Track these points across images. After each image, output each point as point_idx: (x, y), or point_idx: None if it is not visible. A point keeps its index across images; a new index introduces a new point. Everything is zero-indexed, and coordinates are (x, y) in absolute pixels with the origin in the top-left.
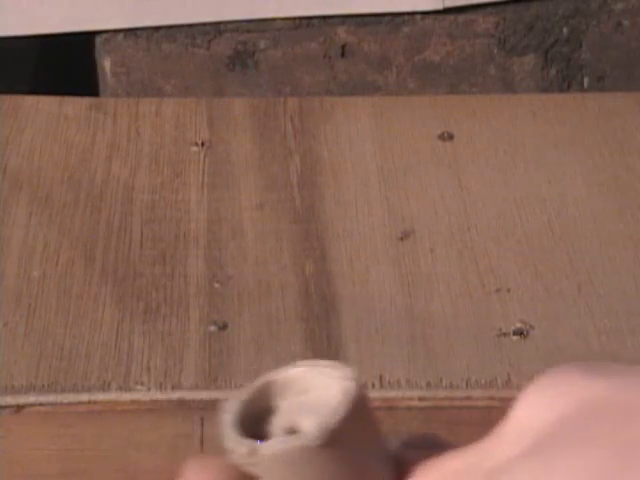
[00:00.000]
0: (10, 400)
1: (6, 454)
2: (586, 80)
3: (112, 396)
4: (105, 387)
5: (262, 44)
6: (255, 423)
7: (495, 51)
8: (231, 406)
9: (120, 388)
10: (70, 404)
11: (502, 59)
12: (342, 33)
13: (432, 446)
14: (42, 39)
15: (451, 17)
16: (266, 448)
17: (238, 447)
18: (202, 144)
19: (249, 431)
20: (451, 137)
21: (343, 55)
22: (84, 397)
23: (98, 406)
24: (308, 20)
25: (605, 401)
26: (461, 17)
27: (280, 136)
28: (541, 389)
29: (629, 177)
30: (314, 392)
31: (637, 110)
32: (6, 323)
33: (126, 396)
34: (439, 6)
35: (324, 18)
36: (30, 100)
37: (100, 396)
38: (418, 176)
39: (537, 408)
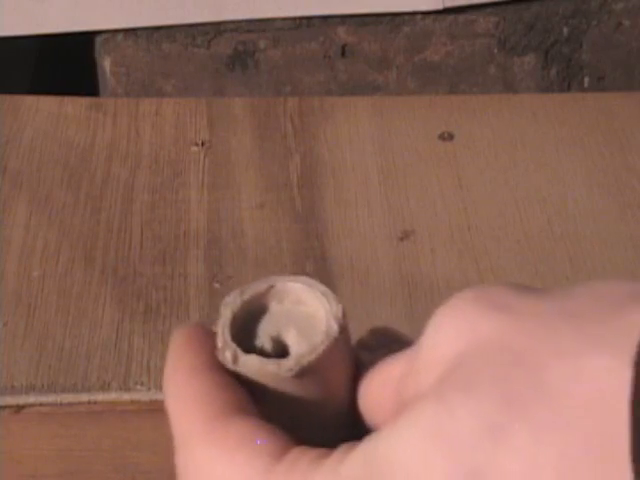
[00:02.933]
0: (10, 400)
1: (6, 454)
2: (586, 80)
3: (112, 396)
4: (105, 387)
5: (262, 44)
6: (249, 321)
7: (495, 51)
8: (231, 302)
9: (120, 388)
10: (70, 404)
11: (502, 59)
12: (342, 33)
13: (387, 345)
14: (42, 39)
15: (451, 17)
16: (243, 363)
17: (224, 349)
18: (202, 144)
19: (242, 329)
20: (451, 137)
21: (343, 55)
22: (84, 397)
23: (98, 406)
24: (308, 20)
25: (495, 343)
26: (461, 17)
27: (280, 136)
28: (441, 321)
29: (629, 177)
30: (306, 307)
31: (637, 110)
32: (6, 323)
33: (126, 396)
34: (439, 6)
35: (324, 18)
36: (30, 100)
37: (100, 396)
38: (418, 176)
39: (438, 338)
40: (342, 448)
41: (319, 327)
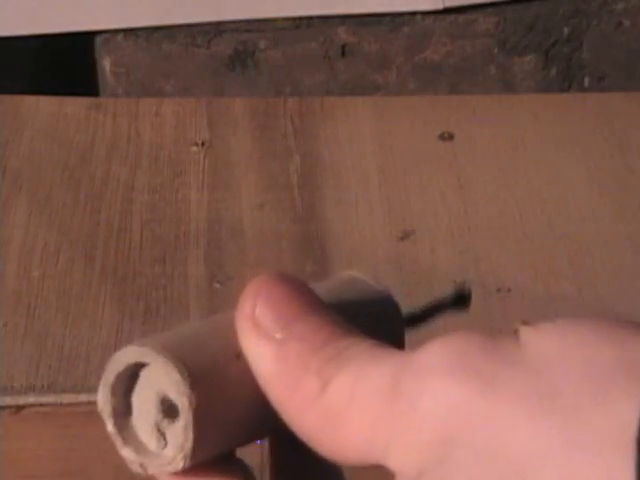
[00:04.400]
0: (10, 400)
1: (6, 454)
2: (587, 80)
3: None
4: None
5: (262, 44)
6: (130, 394)
7: (495, 51)
8: (103, 408)
9: None
10: (70, 404)
11: (502, 59)
12: (342, 33)
13: (285, 326)
14: (42, 39)
15: (451, 17)
16: (151, 468)
17: (132, 464)
18: (202, 144)
19: (128, 418)
20: (451, 137)
21: (343, 55)
22: (84, 397)
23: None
24: (308, 20)
25: (482, 436)
26: (461, 17)
27: (280, 136)
28: (422, 396)
29: (629, 177)
30: (153, 364)
31: (637, 110)
32: (6, 323)
33: None
34: (439, 6)
35: (324, 18)
36: (30, 100)
37: None
38: (418, 176)
39: (423, 419)
40: None
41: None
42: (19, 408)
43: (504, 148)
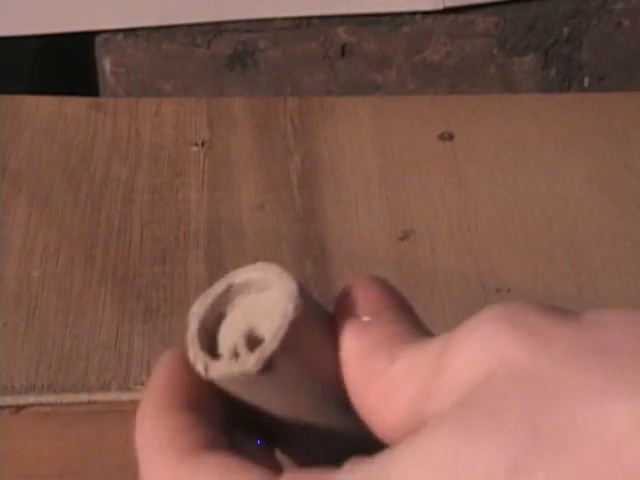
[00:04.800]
0: (10, 400)
1: (6, 454)
2: (586, 80)
3: (112, 396)
4: (105, 387)
5: (262, 44)
6: (217, 324)
7: (495, 51)
8: (196, 312)
9: (120, 388)
10: (70, 404)
11: (502, 59)
12: (342, 33)
13: (381, 313)
14: (42, 39)
15: (451, 17)
16: (213, 370)
17: (196, 362)
18: (202, 144)
19: (212, 336)
20: (451, 137)
21: (343, 55)
22: (84, 397)
23: (98, 406)
24: (308, 20)
25: (526, 371)
26: (461, 17)
27: (280, 136)
28: (469, 340)
29: (629, 177)
30: (268, 293)
31: (637, 110)
32: (6, 323)
33: (126, 396)
34: (439, 6)
35: (324, 18)
36: (30, 100)
37: (100, 396)
38: (418, 176)
39: (463, 357)
40: (347, 467)
41: (279, 311)
42: (19, 408)
43: (504, 148)
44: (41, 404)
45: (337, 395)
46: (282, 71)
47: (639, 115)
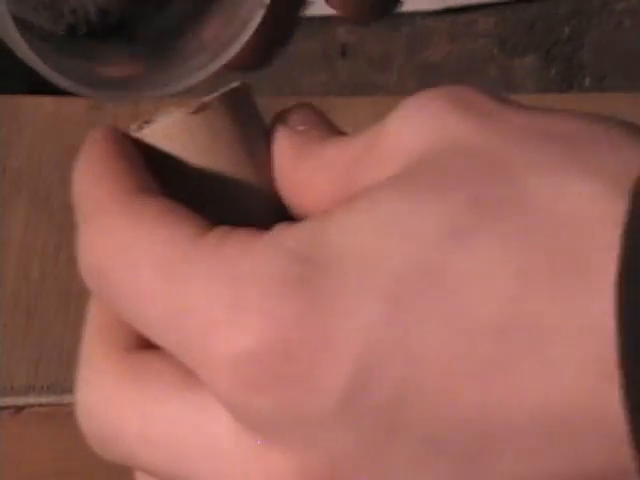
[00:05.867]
0: (10, 401)
1: (6, 455)
2: (587, 80)
3: None
4: None
5: None
6: None
7: (495, 51)
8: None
9: None
10: (70, 405)
11: (502, 59)
12: (342, 33)
13: (310, 124)
14: None
15: (451, 17)
16: (148, 126)
17: (132, 124)
18: None
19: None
20: None
21: (343, 55)
22: None
23: None
24: (308, 20)
25: (471, 145)
26: (461, 17)
27: None
28: (411, 113)
29: None
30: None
31: (637, 110)
32: (6, 323)
33: None
34: (439, 6)
35: (324, 18)
36: (30, 100)
37: None
38: None
39: (406, 130)
40: (280, 226)
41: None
42: (19, 408)
43: None
44: (41, 405)
45: (264, 178)
46: (282, 71)
47: (639, 115)
